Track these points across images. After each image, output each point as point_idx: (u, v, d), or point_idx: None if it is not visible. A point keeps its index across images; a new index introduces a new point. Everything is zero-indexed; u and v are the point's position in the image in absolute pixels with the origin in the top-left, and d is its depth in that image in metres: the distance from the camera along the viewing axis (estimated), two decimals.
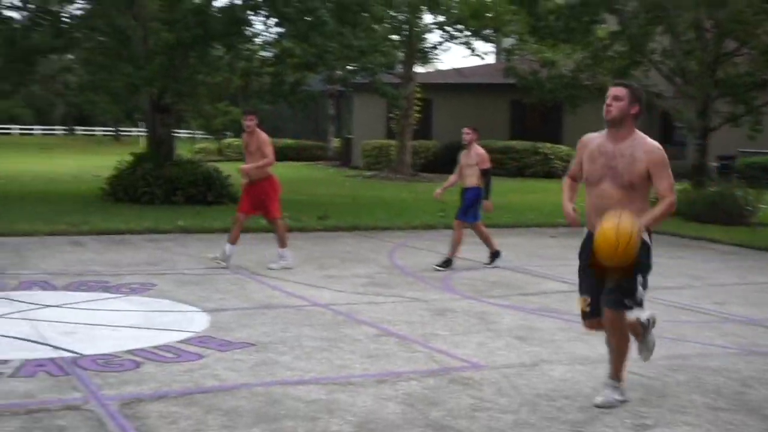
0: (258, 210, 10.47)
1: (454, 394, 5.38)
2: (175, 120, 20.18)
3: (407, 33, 29.94)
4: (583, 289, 5.32)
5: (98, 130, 62.18)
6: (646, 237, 5.05)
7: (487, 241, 11.04)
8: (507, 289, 9.62)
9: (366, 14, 19.57)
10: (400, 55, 29.72)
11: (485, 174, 10.61)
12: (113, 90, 19.49)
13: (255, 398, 5.19)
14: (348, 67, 21.39)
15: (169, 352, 6.28)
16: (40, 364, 5.82)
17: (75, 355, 6.09)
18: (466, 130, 10.75)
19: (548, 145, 31.72)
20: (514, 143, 32.15)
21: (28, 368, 5.70)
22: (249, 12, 18.40)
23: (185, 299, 8.30)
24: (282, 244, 10.45)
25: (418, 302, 8.58)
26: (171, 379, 5.57)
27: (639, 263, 5.00)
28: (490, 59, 36.52)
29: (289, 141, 44.44)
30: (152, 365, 5.88)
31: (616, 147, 5.09)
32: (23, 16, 19.72)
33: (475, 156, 10.62)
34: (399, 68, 29.82)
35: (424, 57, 33.43)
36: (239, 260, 10.63)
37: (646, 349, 5.38)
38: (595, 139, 5.26)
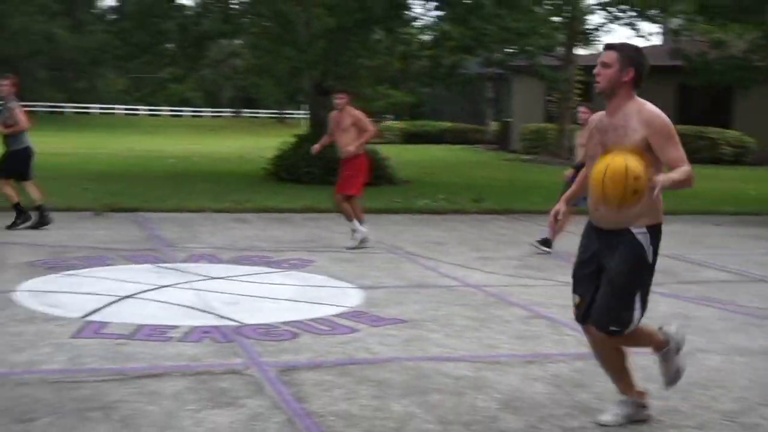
0: (342, 185, 10.30)
1: (602, 377, 5.33)
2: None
3: (568, 14, 29.33)
4: (576, 287, 4.63)
5: (263, 113, 64.34)
6: (645, 241, 4.30)
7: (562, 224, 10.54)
8: (664, 276, 9.36)
9: None
10: (561, 37, 29.16)
11: None
12: (277, 73, 20.19)
13: (405, 372, 5.35)
14: (506, 50, 21.23)
15: (325, 324, 6.54)
16: (205, 330, 6.21)
17: (237, 323, 6.45)
18: (582, 108, 10.30)
19: (716, 129, 30.47)
20: (678, 128, 30.93)
21: (195, 334, 6.10)
22: None
23: (341, 276, 8.58)
24: (354, 218, 10.30)
25: (570, 286, 8.49)
26: (326, 350, 5.82)
27: (639, 278, 4.34)
28: (656, 41, 35.31)
29: (446, 124, 44.69)
30: (308, 336, 6.15)
31: (611, 121, 4.39)
32: (196, 3, 20.69)
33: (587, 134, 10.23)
34: (559, 50, 29.30)
35: (586, 39, 32.64)
36: (396, 240, 10.85)
37: (667, 372, 4.66)
38: (598, 115, 4.59)
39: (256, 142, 35.67)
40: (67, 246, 9.77)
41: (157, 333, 6.08)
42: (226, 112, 67.14)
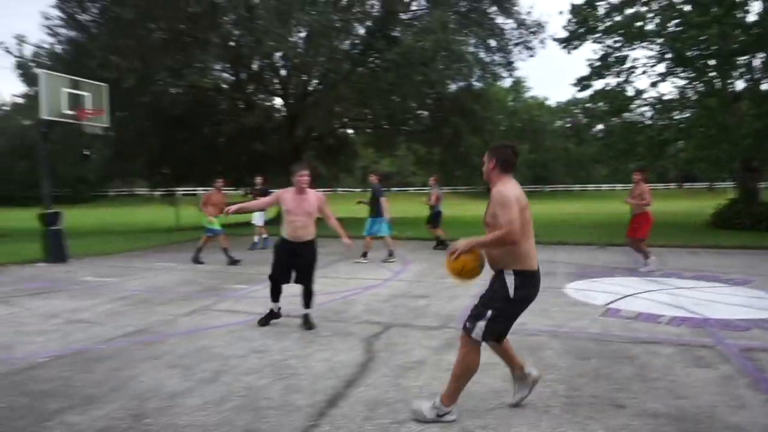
0: (631, 232, 9.06)
1: None
2: (760, 175, 17.25)
3: None
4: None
5: (698, 185, 56.10)
6: (509, 281, 3.33)
7: None
8: None
9: None
10: None
11: None
12: (714, 161, 17.63)
13: None
14: None
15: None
16: (682, 319, 5.76)
17: (703, 317, 5.84)
18: None
19: None
20: None
21: (675, 321, 5.70)
22: None
23: None
24: (645, 256, 8.95)
25: None
26: None
27: (497, 302, 3.35)
28: None
29: None
30: (758, 330, 5.30)
31: None
32: (653, 119, 19.15)
33: None
34: None
35: None
36: None
37: (419, 414, 3.44)
38: None
39: (692, 205, 31.42)
40: (587, 264, 9.83)
41: (651, 318, 5.82)
42: (672, 184, 60.19)
